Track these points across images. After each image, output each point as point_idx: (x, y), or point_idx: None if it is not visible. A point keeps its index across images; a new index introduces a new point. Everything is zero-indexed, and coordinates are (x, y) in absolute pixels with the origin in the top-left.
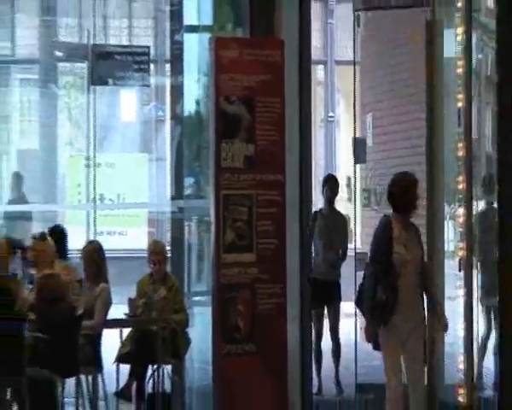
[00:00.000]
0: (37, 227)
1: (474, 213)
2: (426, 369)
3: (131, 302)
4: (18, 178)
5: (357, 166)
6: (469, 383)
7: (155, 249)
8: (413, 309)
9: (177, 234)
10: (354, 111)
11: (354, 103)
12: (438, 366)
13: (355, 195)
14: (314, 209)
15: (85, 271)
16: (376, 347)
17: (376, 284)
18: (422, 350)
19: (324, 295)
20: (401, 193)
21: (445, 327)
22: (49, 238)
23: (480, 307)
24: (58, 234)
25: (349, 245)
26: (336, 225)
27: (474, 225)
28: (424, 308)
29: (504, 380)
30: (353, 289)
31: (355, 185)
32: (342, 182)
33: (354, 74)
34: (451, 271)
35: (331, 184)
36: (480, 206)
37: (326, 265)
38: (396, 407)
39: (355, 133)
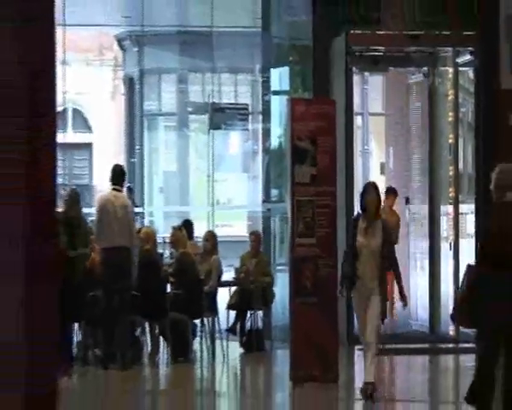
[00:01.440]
0: (176, 221)
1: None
2: (380, 322)
3: (236, 270)
4: (130, 190)
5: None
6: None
7: (253, 232)
8: (370, 279)
9: (266, 226)
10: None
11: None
12: (437, 309)
13: None
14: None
15: (204, 248)
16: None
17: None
18: (377, 307)
19: None
20: (361, 198)
21: (404, 302)
22: (182, 228)
23: None
24: (188, 224)
25: None
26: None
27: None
28: (383, 280)
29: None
30: None
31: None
32: None
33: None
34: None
35: (390, 194)
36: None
37: None
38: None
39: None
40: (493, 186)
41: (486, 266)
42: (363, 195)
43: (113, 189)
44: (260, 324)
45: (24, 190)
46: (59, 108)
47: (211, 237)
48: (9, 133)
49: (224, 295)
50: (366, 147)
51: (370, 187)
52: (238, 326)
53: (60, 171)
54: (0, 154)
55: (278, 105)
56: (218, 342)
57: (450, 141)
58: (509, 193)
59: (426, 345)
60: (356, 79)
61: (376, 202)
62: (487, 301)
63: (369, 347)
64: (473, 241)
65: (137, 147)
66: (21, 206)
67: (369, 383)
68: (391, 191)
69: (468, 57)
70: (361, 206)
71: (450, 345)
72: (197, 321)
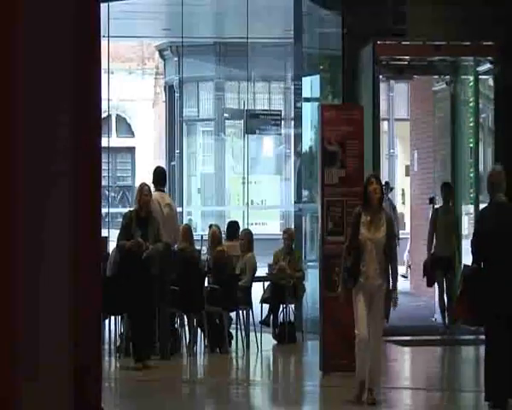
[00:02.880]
0: (212, 220)
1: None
2: (384, 322)
3: (270, 266)
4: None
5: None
6: None
7: (287, 230)
8: (375, 275)
9: (298, 224)
10: None
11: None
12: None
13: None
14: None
15: (241, 245)
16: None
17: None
18: (382, 308)
19: (443, 265)
20: (364, 190)
21: (394, 301)
22: (216, 227)
23: None
24: (234, 226)
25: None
26: (450, 219)
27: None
28: (388, 276)
29: None
30: None
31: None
32: (399, 191)
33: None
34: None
35: (447, 190)
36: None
37: (444, 246)
38: (359, 348)
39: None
40: (487, 187)
41: (479, 262)
42: (365, 187)
43: (157, 189)
44: (292, 316)
45: (71, 189)
46: (104, 115)
47: (246, 234)
48: (56, 139)
49: (258, 290)
50: (392, 150)
51: (372, 178)
52: (271, 319)
53: (104, 173)
54: (48, 159)
55: (309, 111)
56: (252, 333)
57: (471, 145)
58: (500, 193)
59: (447, 337)
60: (382, 86)
61: (379, 194)
62: (480, 296)
63: (375, 349)
64: None
65: (177, 151)
66: (68, 204)
67: (371, 390)
68: (447, 187)
69: (487, 66)
70: (364, 198)
71: (471, 337)
72: (232, 314)
